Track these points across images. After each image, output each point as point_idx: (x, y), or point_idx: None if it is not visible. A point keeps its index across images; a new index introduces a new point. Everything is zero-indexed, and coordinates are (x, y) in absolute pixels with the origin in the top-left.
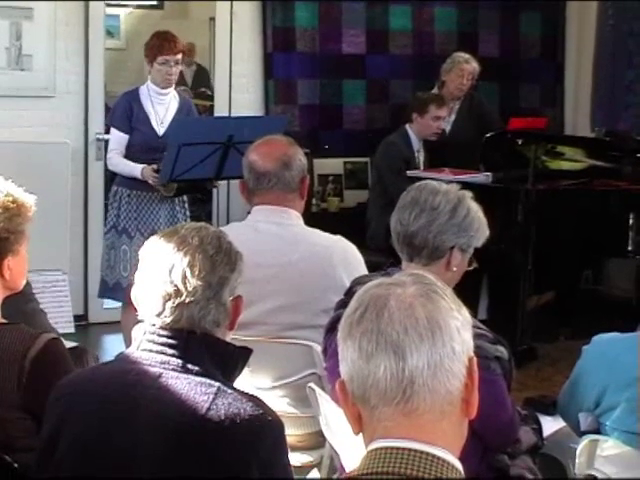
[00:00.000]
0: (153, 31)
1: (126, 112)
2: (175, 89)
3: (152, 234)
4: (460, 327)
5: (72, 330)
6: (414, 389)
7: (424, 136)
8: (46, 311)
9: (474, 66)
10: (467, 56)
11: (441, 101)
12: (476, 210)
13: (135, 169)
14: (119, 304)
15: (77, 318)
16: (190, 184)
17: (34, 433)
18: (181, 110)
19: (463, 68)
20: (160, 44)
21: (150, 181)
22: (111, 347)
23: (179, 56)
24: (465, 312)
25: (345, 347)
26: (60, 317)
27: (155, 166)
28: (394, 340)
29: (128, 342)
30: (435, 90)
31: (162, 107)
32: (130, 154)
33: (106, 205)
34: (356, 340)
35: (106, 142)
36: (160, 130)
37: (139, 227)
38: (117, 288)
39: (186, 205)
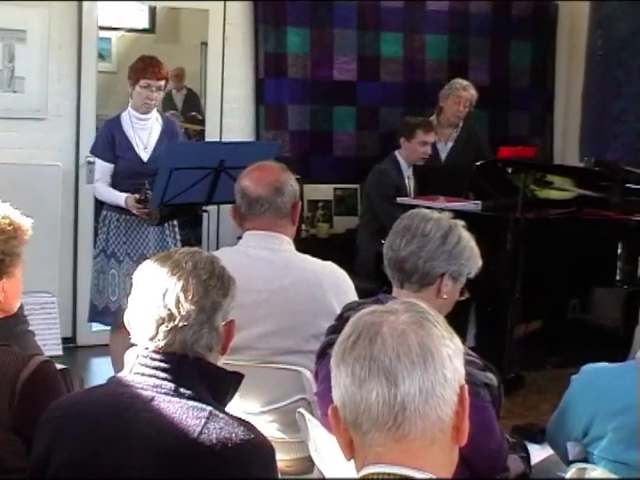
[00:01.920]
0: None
1: (108, 141)
2: (164, 112)
3: (141, 258)
4: (452, 355)
5: (60, 352)
6: (405, 415)
7: (411, 161)
8: (35, 333)
9: (472, 93)
10: (465, 83)
11: (429, 126)
12: (468, 239)
13: (119, 198)
14: (108, 327)
15: (65, 340)
16: (174, 210)
17: (24, 455)
18: (165, 132)
19: (460, 95)
20: (144, 67)
21: (134, 211)
22: (99, 370)
23: (162, 82)
24: (457, 340)
25: (338, 373)
26: (48, 339)
27: (137, 195)
28: (386, 366)
29: (116, 365)
30: (433, 116)
31: (144, 132)
32: (117, 181)
33: (96, 229)
34: (349, 366)
35: None
36: (144, 156)
37: (128, 251)
38: (106, 312)
39: (176, 229)
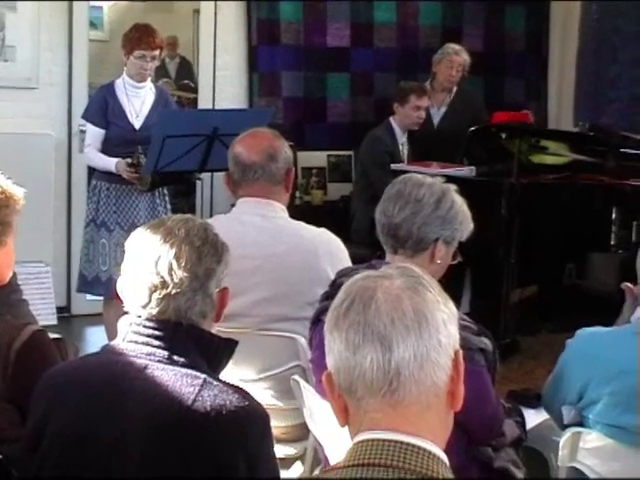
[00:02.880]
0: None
1: (101, 107)
2: (157, 81)
3: (132, 227)
4: (446, 320)
5: (54, 322)
6: (400, 380)
7: (406, 126)
8: (29, 302)
9: (464, 58)
10: (458, 47)
11: (421, 91)
12: (460, 203)
13: (109, 163)
14: (101, 297)
15: (60, 310)
16: (165, 177)
17: (19, 424)
18: (158, 102)
19: (452, 59)
20: (139, 37)
21: (124, 175)
22: (94, 339)
23: (156, 52)
24: (451, 305)
25: (332, 339)
26: (43, 309)
27: (129, 160)
28: (381, 332)
29: (110, 334)
30: (428, 82)
31: (138, 100)
32: (107, 148)
33: (87, 198)
34: (343, 332)
35: None
36: (136, 124)
37: (118, 221)
38: (96, 282)
39: (166, 198)
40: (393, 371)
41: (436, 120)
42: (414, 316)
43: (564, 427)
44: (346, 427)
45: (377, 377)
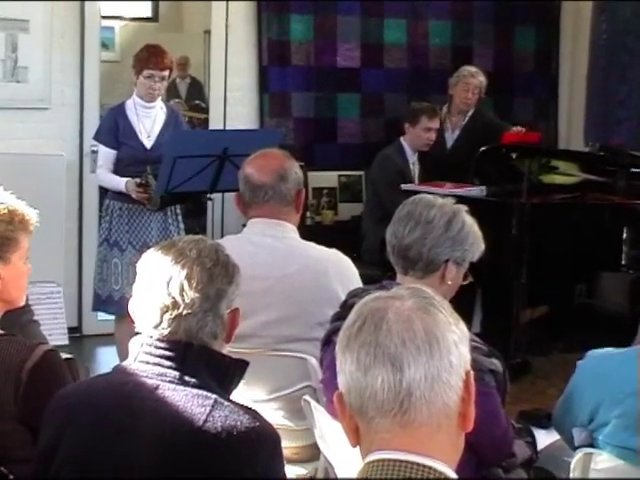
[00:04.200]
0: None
1: (111, 128)
2: (168, 101)
3: (144, 247)
4: (457, 341)
5: (66, 342)
6: (411, 401)
7: (416, 147)
8: (40, 322)
9: (480, 80)
10: (473, 69)
11: (433, 112)
12: (471, 224)
13: (120, 183)
14: (112, 316)
15: (71, 330)
16: (175, 196)
17: (31, 444)
18: (169, 122)
19: (468, 82)
20: (147, 58)
21: (133, 195)
22: (105, 359)
23: (165, 72)
24: (462, 326)
25: (343, 359)
26: (54, 329)
27: (138, 180)
28: (392, 352)
29: (122, 354)
30: (445, 106)
31: (149, 120)
32: (119, 168)
33: (100, 218)
34: (354, 352)
35: None
36: (148, 143)
37: (131, 240)
38: (109, 301)
39: (179, 218)
40: (404, 392)
41: (449, 143)
42: (425, 337)
43: (575, 448)
44: (357, 447)
45: (388, 398)
